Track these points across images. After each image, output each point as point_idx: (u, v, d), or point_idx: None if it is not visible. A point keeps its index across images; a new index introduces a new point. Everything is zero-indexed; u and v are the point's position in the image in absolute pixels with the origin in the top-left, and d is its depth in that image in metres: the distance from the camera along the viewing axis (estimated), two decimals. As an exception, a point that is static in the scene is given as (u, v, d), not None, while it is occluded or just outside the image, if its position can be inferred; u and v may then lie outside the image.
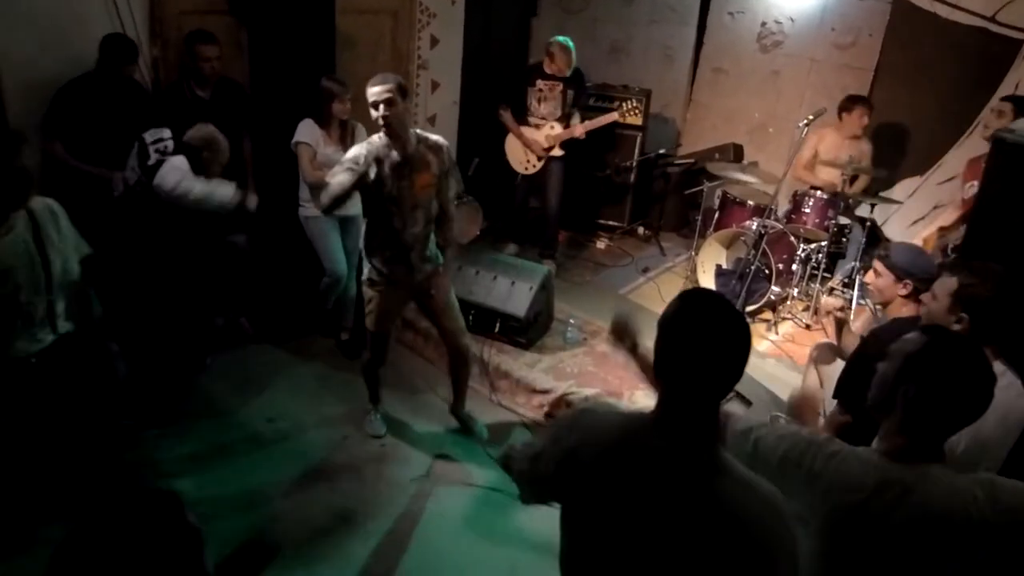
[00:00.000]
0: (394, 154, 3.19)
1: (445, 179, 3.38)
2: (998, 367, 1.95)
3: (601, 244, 6.35)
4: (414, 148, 3.23)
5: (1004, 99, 4.36)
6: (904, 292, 2.65)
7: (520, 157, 5.52)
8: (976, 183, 3.97)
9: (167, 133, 3.80)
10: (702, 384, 1.36)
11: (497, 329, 4.38)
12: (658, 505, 1.35)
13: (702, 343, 1.34)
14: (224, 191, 3.70)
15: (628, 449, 1.40)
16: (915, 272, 2.63)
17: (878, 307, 3.13)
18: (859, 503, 1.54)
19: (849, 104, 5.16)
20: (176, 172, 3.59)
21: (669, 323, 1.40)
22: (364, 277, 3.50)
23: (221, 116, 4.17)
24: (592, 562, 1.47)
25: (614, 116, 5.41)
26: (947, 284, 2.11)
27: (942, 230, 4.25)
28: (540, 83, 5.33)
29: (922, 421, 1.55)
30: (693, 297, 1.43)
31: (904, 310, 2.68)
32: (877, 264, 2.75)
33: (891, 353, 1.64)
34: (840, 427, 2.51)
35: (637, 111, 5.52)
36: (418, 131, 3.31)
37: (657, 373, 1.41)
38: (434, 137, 3.35)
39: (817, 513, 1.59)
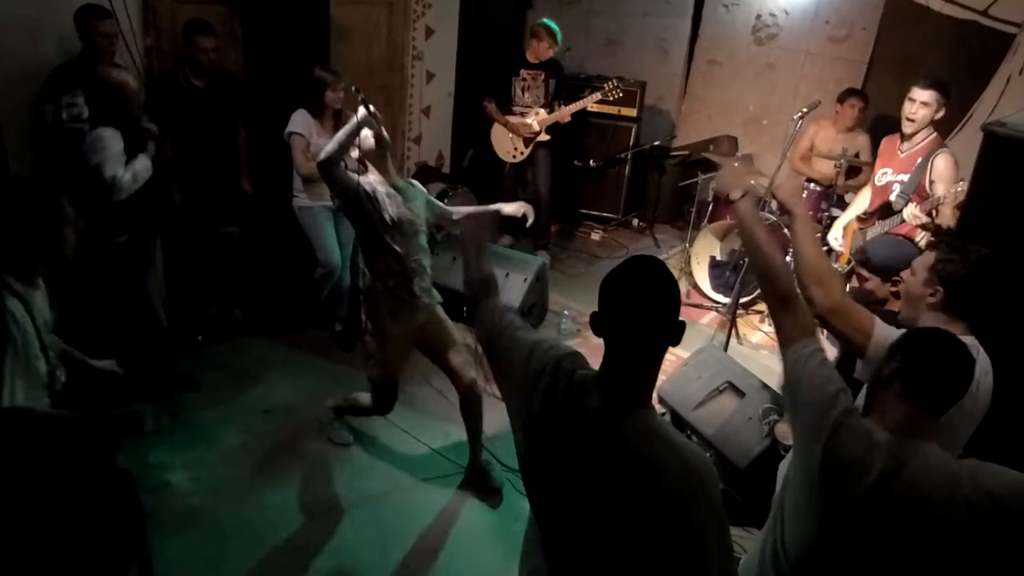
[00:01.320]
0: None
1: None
2: (970, 341, 1.97)
3: (596, 236, 6.37)
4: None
5: (924, 83, 3.88)
6: (896, 289, 2.65)
7: (507, 146, 5.54)
8: (891, 171, 3.89)
9: (80, 99, 3.62)
10: (634, 340, 1.44)
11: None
12: (587, 464, 1.46)
13: (631, 299, 1.43)
14: (142, 166, 3.52)
15: (568, 407, 1.50)
16: (899, 266, 2.61)
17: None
18: (856, 471, 1.57)
19: (844, 96, 5.18)
20: (101, 153, 3.43)
21: (605, 283, 1.48)
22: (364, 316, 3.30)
23: (216, 106, 4.17)
24: (537, 505, 1.63)
25: (596, 97, 5.42)
26: (926, 259, 2.13)
27: (860, 222, 4.04)
28: (524, 72, 5.38)
29: (919, 387, 1.60)
30: (629, 261, 1.50)
31: (899, 304, 2.69)
32: (860, 270, 2.75)
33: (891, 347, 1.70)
34: None
35: (618, 91, 5.51)
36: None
37: (596, 332, 1.49)
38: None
39: (814, 466, 1.62)
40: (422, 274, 3.18)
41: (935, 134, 3.80)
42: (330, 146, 2.92)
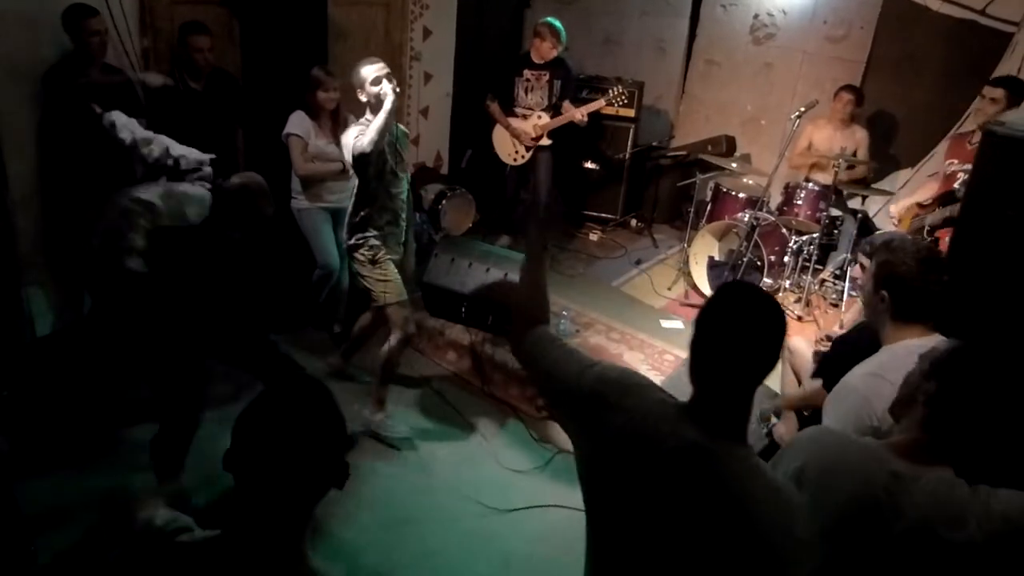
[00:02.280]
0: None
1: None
2: (932, 340, 1.94)
3: (594, 236, 6.37)
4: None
5: (995, 82, 4.24)
6: None
7: (508, 148, 5.53)
8: (956, 161, 4.00)
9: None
10: (737, 374, 1.38)
11: (490, 322, 4.39)
12: (684, 499, 1.36)
13: (736, 331, 1.36)
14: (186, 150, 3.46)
15: (660, 436, 1.40)
16: None
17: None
18: (869, 496, 1.53)
19: (837, 91, 5.23)
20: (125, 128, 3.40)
21: (709, 312, 1.41)
22: (362, 257, 3.52)
23: (214, 108, 4.16)
24: (612, 547, 1.48)
25: (602, 103, 5.41)
26: (869, 268, 2.12)
27: (920, 207, 4.22)
28: (527, 73, 5.34)
29: (941, 419, 1.54)
30: (729, 288, 1.45)
31: None
32: (863, 259, 2.73)
33: (921, 357, 1.64)
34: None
35: (624, 97, 5.52)
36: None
37: (694, 364, 1.42)
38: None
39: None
40: (404, 211, 3.63)
41: None
42: (373, 136, 3.22)
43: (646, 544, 1.42)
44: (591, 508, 1.54)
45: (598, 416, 1.48)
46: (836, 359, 2.65)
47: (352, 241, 3.54)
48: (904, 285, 1.99)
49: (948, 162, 4.12)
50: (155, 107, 3.97)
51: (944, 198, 3.95)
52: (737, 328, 1.37)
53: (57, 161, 3.79)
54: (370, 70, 3.26)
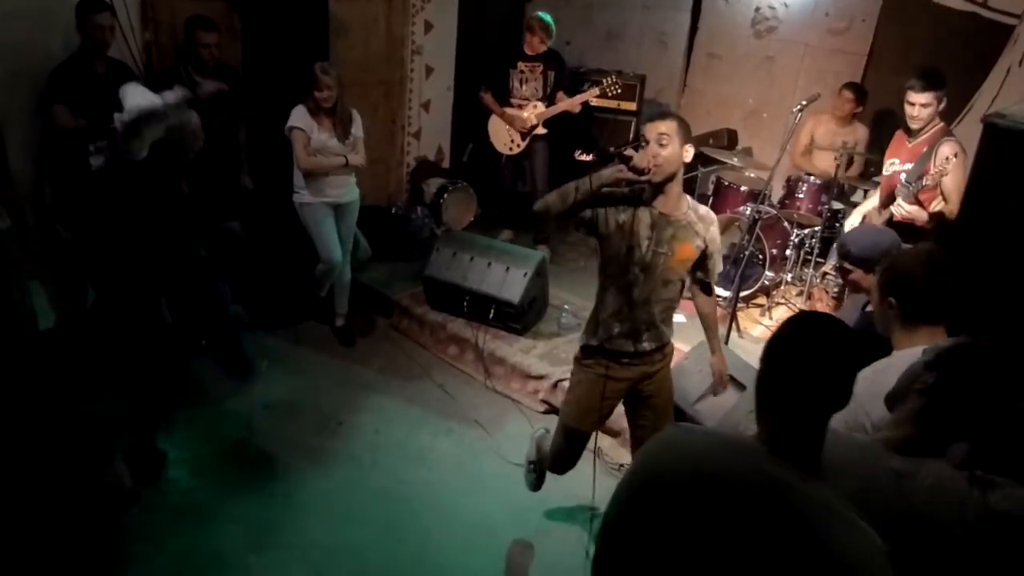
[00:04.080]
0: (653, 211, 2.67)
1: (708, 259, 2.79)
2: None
3: (595, 230, 6.36)
4: (683, 213, 2.71)
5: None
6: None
7: (504, 138, 5.53)
8: (898, 161, 3.91)
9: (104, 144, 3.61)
10: (816, 407, 1.34)
11: (492, 315, 4.40)
12: (751, 531, 1.29)
13: (816, 366, 1.33)
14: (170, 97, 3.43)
15: (735, 473, 1.34)
16: (876, 256, 2.59)
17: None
18: (856, 489, 1.54)
19: (839, 88, 5.22)
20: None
21: (781, 345, 1.38)
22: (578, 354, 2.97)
23: (218, 101, 4.16)
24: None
25: (595, 92, 5.42)
26: (873, 279, 2.11)
27: (879, 210, 4.05)
28: (521, 64, 5.36)
29: (936, 415, 1.54)
30: (803, 320, 1.42)
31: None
32: (843, 263, 2.73)
33: (925, 350, 1.64)
34: None
35: (617, 87, 5.52)
36: (690, 199, 2.79)
37: (767, 397, 1.39)
38: (704, 209, 2.82)
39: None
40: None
41: (941, 124, 3.83)
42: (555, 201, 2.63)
43: None
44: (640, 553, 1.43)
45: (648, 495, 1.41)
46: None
47: None
48: (911, 288, 1.98)
49: (889, 161, 3.99)
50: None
51: (888, 200, 3.87)
52: (816, 361, 1.33)
53: (60, 158, 3.79)
54: (649, 127, 2.63)
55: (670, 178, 2.63)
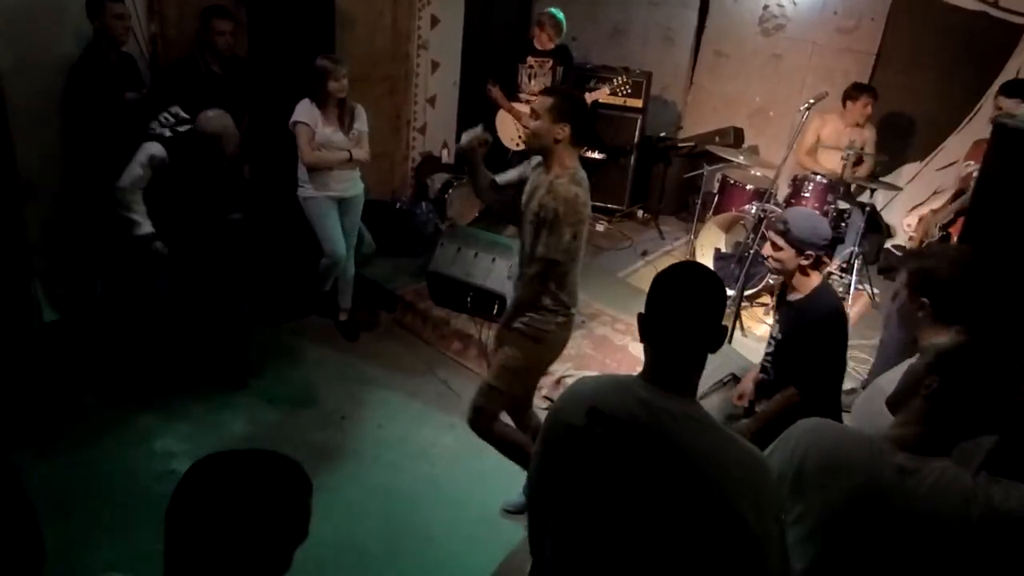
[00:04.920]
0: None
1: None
2: None
3: (600, 227, 6.36)
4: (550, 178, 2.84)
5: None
6: (807, 262, 2.68)
7: (511, 133, 5.53)
8: (974, 163, 3.98)
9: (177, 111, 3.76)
10: (682, 339, 1.48)
11: (496, 311, 4.39)
12: (640, 451, 1.43)
13: (679, 301, 1.48)
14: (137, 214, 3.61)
15: (613, 401, 1.50)
16: (815, 241, 2.65)
17: (778, 278, 3.06)
18: (860, 483, 1.54)
19: (855, 93, 5.14)
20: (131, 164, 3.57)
21: (655, 288, 1.52)
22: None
23: (232, 92, 4.18)
24: (576, 520, 1.54)
25: (605, 91, 5.42)
26: (901, 277, 2.12)
27: (933, 213, 4.24)
28: (531, 60, 5.36)
29: (942, 415, 1.54)
30: (675, 266, 1.56)
31: (810, 279, 2.72)
32: (776, 237, 2.73)
33: (923, 349, 1.64)
34: (789, 404, 2.69)
35: (627, 86, 5.53)
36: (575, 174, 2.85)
37: (647, 332, 1.52)
38: (565, 187, 2.78)
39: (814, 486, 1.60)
40: None
41: None
42: None
43: (605, 516, 1.48)
44: (546, 493, 1.61)
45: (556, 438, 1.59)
46: (789, 358, 2.75)
47: None
48: (945, 288, 2.00)
49: (966, 163, 4.10)
50: (175, 88, 3.98)
51: (956, 196, 3.95)
52: (678, 304, 1.48)
53: (81, 148, 3.83)
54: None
55: (542, 149, 2.81)
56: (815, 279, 2.73)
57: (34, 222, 3.89)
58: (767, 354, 2.99)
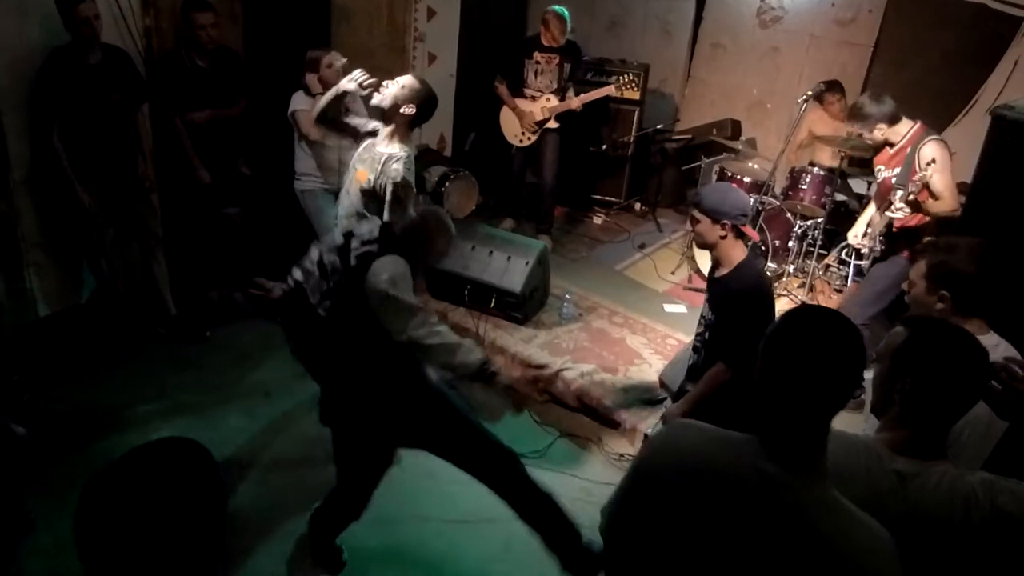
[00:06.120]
0: None
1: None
2: (991, 339, 1.95)
3: (598, 220, 6.35)
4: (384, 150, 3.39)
5: None
6: (723, 233, 2.71)
7: (515, 130, 5.50)
8: (883, 167, 3.84)
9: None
10: (815, 402, 1.29)
11: (493, 304, 4.39)
12: (766, 535, 1.27)
13: (815, 360, 1.28)
14: None
15: (732, 471, 1.32)
16: (727, 210, 2.67)
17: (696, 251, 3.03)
18: (860, 492, 1.52)
19: (823, 95, 5.12)
20: None
21: (778, 340, 1.33)
22: None
23: (219, 86, 4.14)
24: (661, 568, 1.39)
25: (610, 89, 5.40)
26: (918, 268, 2.12)
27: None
28: (537, 55, 5.31)
29: (921, 413, 1.54)
30: (800, 313, 1.39)
31: (733, 252, 2.74)
32: (693, 211, 2.79)
33: (879, 354, 1.62)
34: (718, 382, 2.72)
35: (633, 85, 5.51)
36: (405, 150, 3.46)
37: (763, 392, 1.34)
38: (400, 160, 3.40)
39: None
40: None
41: (918, 124, 3.72)
42: None
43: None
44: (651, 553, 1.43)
45: (653, 494, 1.40)
46: (727, 336, 2.78)
47: None
48: (966, 281, 2.00)
49: (877, 168, 3.91)
50: (161, 84, 3.96)
51: (885, 206, 3.79)
52: (816, 356, 1.28)
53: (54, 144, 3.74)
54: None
55: (387, 119, 3.36)
56: (740, 253, 2.75)
57: (27, 215, 3.86)
58: (697, 335, 3.00)
